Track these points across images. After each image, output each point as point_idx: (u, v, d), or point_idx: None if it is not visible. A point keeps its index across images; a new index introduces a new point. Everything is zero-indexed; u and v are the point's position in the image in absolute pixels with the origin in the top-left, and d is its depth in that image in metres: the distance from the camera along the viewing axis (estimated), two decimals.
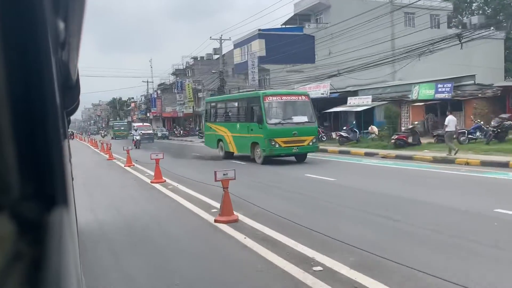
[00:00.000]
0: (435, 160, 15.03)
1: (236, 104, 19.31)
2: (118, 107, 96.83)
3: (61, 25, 0.74)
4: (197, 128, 51.70)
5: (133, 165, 17.31)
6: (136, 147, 29.01)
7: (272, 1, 55.53)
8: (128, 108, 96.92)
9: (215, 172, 7.09)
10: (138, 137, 31.13)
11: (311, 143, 16.18)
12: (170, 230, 6.94)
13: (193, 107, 51.10)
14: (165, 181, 12.10)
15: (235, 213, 7.22)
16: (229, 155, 19.15)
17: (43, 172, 0.53)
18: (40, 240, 0.49)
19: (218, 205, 8.36)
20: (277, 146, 15.66)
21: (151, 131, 41.74)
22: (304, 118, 16.47)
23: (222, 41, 34.45)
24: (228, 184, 7.16)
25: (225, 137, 19.06)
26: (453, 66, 30.25)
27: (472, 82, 25.89)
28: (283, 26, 38.87)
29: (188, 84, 50.65)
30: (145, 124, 46.18)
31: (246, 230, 6.54)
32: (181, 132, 52.32)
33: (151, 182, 12.21)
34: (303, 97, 17.17)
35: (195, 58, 71.66)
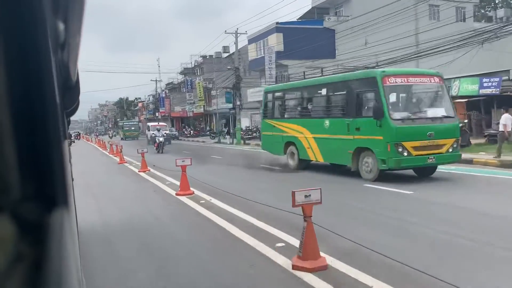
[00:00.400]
0: (504, 165, 12.55)
1: (323, 91, 13.07)
2: (125, 107, 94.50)
3: (61, 26, 0.72)
4: (208, 128, 49.37)
5: (149, 171, 14.93)
6: (159, 151, 24.58)
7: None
8: (136, 108, 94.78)
9: (294, 193, 4.65)
10: (161, 139, 25.01)
11: (451, 149, 10.73)
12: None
13: (203, 106, 48.72)
14: (193, 193, 9.70)
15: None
16: (304, 164, 13.79)
17: (44, 172, 0.53)
18: (41, 241, 0.49)
19: (281, 234, 6.00)
20: (406, 154, 10.22)
21: (168, 131, 36.78)
22: (441, 111, 11.04)
23: (238, 35, 32.04)
24: (311, 211, 4.74)
25: (301, 139, 13.54)
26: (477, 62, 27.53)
27: (507, 77, 23.47)
28: (301, 20, 36.41)
29: (199, 83, 48.31)
30: (161, 123, 39.51)
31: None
32: (191, 132, 49.99)
33: (176, 194, 9.81)
34: (436, 79, 11.25)
35: (204, 57, 69.45)
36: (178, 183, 10.31)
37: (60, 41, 0.81)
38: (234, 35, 31.80)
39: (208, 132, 48.09)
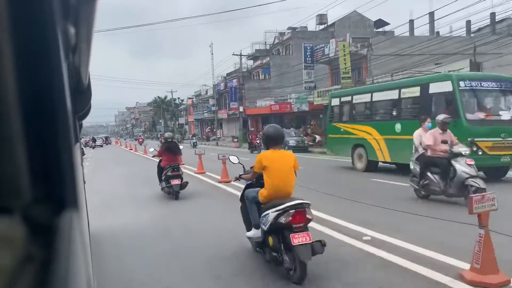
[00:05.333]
0: None
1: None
2: (173, 105, 70.26)
3: (72, 30, 0.71)
4: None
5: None
6: None
7: None
8: (180, 107, 71.40)
9: None
10: None
11: None
12: None
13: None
14: None
15: None
16: None
17: (53, 175, 0.52)
18: (50, 243, 0.48)
19: None
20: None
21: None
22: None
23: None
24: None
25: None
26: None
27: None
28: None
29: (344, 45, 24.26)
30: None
31: None
32: (318, 141, 26.12)
33: None
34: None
35: (293, 29, 45.75)
36: None
37: (71, 45, 0.77)
38: None
39: None
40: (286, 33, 47.21)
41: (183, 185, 9.16)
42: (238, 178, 5.05)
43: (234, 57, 63.05)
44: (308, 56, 28.77)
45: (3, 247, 0.39)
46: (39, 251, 0.45)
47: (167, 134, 10.60)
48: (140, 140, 49.31)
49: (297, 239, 3.78)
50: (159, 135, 58.68)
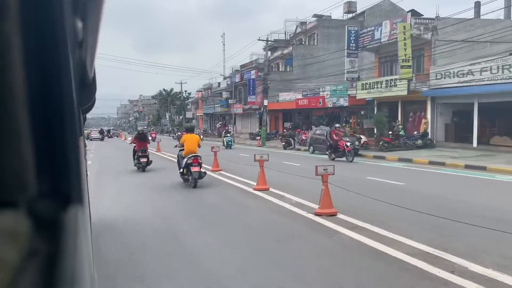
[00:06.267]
0: None
1: None
2: (182, 97, 65.39)
3: (79, 24, 0.70)
4: (417, 132, 20.79)
5: None
6: None
7: None
8: (188, 101, 66.78)
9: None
10: None
11: None
12: None
13: (408, 81, 20.21)
14: None
15: None
16: None
17: (59, 169, 0.51)
18: (55, 237, 0.47)
19: None
20: None
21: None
22: None
23: None
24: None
25: None
26: None
27: None
28: None
29: (405, 26, 19.80)
30: None
31: None
32: (363, 142, 21.59)
33: None
34: None
35: (319, 17, 41.13)
36: None
37: (78, 39, 0.78)
38: None
39: (418, 141, 19.78)
40: (308, 22, 42.71)
41: (148, 163, 13.84)
42: (176, 146, 11.12)
43: (246, 50, 58.51)
44: (352, 41, 24.24)
45: (8, 241, 0.39)
46: (44, 246, 0.45)
47: (139, 128, 17.66)
48: (153, 135, 41.07)
49: (193, 169, 9.77)
50: (174, 129, 53.45)
